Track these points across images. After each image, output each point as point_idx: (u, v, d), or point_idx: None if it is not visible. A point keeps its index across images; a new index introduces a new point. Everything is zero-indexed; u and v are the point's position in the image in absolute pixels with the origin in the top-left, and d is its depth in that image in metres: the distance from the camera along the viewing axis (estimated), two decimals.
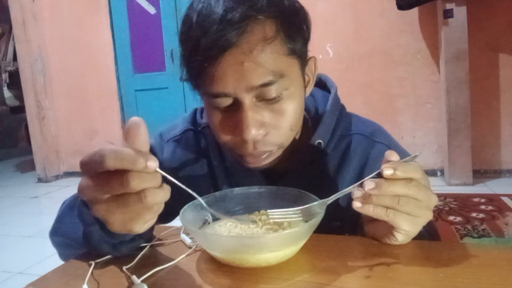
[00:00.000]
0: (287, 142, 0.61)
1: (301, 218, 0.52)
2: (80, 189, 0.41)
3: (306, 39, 0.60)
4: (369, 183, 0.46)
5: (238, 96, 0.55)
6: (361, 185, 0.47)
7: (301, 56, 0.59)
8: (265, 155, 0.60)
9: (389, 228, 0.49)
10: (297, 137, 0.65)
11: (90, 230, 0.50)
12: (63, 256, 0.63)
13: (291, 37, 0.56)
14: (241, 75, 0.53)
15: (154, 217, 0.43)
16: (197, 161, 0.72)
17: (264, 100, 0.56)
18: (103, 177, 0.39)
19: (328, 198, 0.51)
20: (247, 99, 0.55)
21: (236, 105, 0.56)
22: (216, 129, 0.60)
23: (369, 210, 0.47)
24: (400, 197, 0.46)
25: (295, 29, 0.57)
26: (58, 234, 0.61)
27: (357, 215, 0.66)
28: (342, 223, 0.63)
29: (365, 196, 0.46)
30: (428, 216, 0.48)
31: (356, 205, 0.47)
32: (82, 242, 0.53)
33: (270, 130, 0.57)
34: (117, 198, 0.40)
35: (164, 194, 0.41)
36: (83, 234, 0.52)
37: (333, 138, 0.67)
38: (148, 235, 0.57)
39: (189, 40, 0.55)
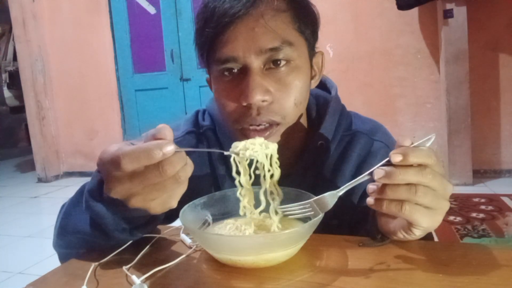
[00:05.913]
0: (290, 117, 0.61)
1: (313, 212, 0.50)
2: (110, 188, 0.43)
3: (314, 28, 0.64)
4: (378, 172, 0.43)
5: (246, 60, 0.57)
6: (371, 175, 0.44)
7: (309, 41, 0.62)
8: (268, 132, 0.59)
9: (405, 224, 0.46)
10: (300, 130, 0.66)
11: (104, 221, 0.50)
12: (69, 257, 0.62)
13: (301, 17, 0.60)
14: (251, 38, 0.56)
15: (185, 188, 0.45)
16: (199, 163, 0.72)
17: (271, 68, 0.58)
18: (135, 173, 0.41)
19: (338, 190, 0.49)
20: (255, 64, 0.57)
21: (244, 73, 0.58)
22: (223, 98, 0.61)
23: (381, 207, 0.44)
24: (417, 186, 0.42)
25: (304, 12, 0.61)
26: (67, 231, 0.58)
27: (356, 213, 0.65)
28: (340, 222, 0.63)
29: (379, 190, 0.43)
30: (445, 207, 0.44)
31: (369, 201, 0.45)
32: (93, 234, 0.53)
33: (275, 99, 0.58)
34: (155, 186, 0.42)
35: (191, 167, 0.43)
36: (92, 226, 0.52)
37: (335, 137, 0.68)
38: (163, 216, 0.57)
39: (204, 12, 0.59)
